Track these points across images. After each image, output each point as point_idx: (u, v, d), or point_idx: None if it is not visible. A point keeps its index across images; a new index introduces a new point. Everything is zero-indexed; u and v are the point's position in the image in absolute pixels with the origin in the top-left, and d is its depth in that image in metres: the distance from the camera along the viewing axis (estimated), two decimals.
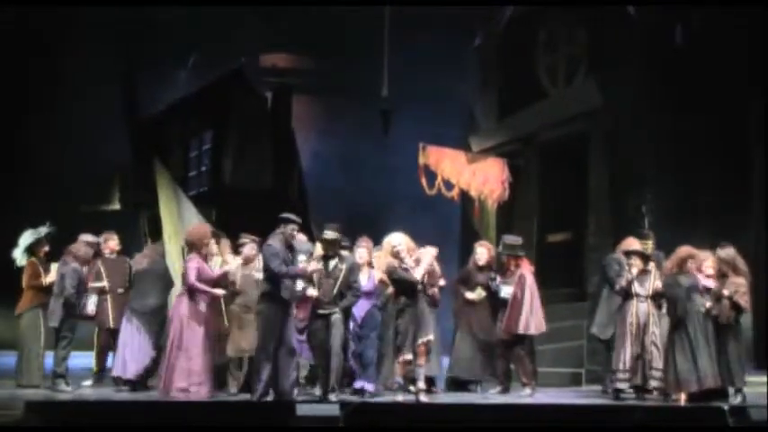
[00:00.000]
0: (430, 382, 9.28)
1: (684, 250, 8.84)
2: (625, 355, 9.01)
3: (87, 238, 9.57)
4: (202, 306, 8.33)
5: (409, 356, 8.53)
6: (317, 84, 17.10)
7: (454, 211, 14.42)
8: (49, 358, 9.42)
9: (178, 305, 8.34)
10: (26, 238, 9.57)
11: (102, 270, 9.69)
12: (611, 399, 9.15)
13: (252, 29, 15.84)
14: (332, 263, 8.51)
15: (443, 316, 10.21)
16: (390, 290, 8.91)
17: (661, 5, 11.92)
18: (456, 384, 9.85)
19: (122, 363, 9.20)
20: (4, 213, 12.72)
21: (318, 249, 8.82)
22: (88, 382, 9.62)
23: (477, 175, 12.68)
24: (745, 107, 11.96)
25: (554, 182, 13.45)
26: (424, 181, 12.16)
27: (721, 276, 8.88)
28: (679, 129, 11.85)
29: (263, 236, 8.56)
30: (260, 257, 8.97)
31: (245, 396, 8.52)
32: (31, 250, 9.55)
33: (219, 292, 8.54)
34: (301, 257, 8.56)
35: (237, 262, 9.11)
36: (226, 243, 9.37)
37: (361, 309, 8.82)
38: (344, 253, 8.83)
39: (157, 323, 9.12)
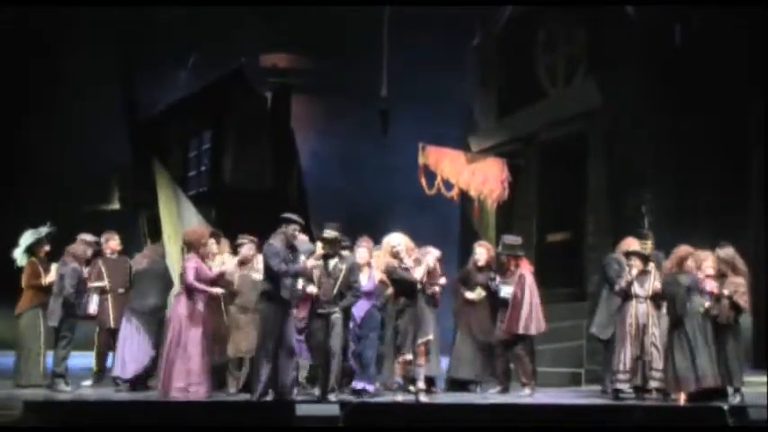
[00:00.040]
0: (429, 382, 9.28)
1: (683, 249, 8.84)
2: (625, 356, 9.01)
3: (86, 237, 9.57)
4: (201, 306, 8.34)
5: (409, 356, 8.54)
6: (317, 84, 17.11)
7: (454, 211, 14.43)
8: (49, 358, 9.41)
9: (176, 305, 8.34)
10: (26, 237, 9.57)
11: (103, 270, 9.70)
12: (611, 399, 9.15)
13: (252, 29, 15.85)
14: (332, 262, 8.51)
15: (443, 316, 10.21)
16: (390, 290, 8.91)
17: (661, 5, 11.92)
18: (456, 384, 9.85)
19: (122, 363, 9.20)
20: (4, 213, 12.73)
21: (319, 249, 8.82)
22: (88, 382, 9.62)
23: (477, 175, 12.67)
24: (745, 107, 11.96)
25: (553, 182, 13.45)
26: (423, 181, 12.15)
27: (721, 276, 8.88)
28: (679, 129, 11.85)
29: (263, 236, 8.56)
30: (258, 258, 8.99)
31: (245, 396, 8.52)
32: (31, 250, 9.55)
33: (218, 290, 8.54)
34: (302, 258, 8.55)
35: (234, 262, 9.10)
36: (225, 243, 9.38)
37: (360, 309, 8.81)
38: (345, 253, 8.82)
39: (157, 323, 9.12)
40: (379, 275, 8.92)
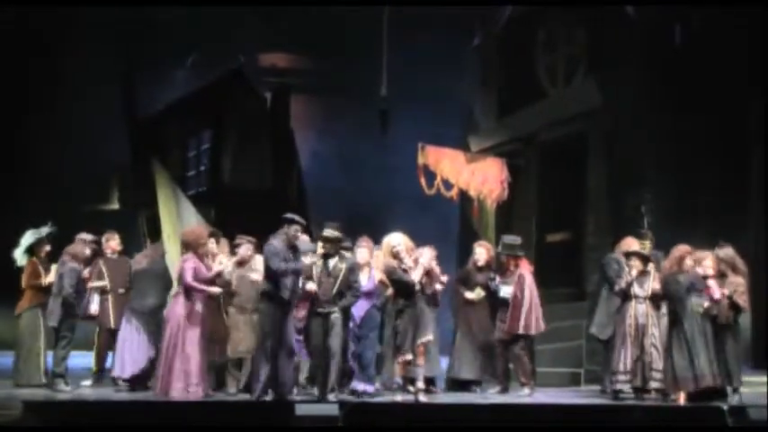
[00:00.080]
0: (429, 382, 9.28)
1: (681, 249, 8.84)
2: (625, 357, 9.01)
3: (84, 236, 9.57)
4: (199, 306, 8.33)
5: (409, 357, 8.53)
6: (317, 84, 17.10)
7: (453, 211, 14.42)
8: (49, 358, 9.41)
9: (174, 305, 8.32)
10: (27, 238, 9.57)
11: (104, 270, 9.71)
12: (610, 399, 9.15)
13: (252, 29, 15.85)
14: (332, 262, 8.51)
15: (443, 316, 10.22)
16: (390, 290, 8.91)
17: (661, 5, 11.92)
18: (456, 385, 9.85)
19: (121, 363, 9.21)
20: (4, 213, 12.73)
21: (320, 248, 8.81)
22: (87, 382, 9.62)
23: (477, 175, 12.66)
24: (745, 107, 11.96)
25: (553, 182, 13.45)
26: (423, 181, 12.14)
27: (720, 276, 8.88)
28: (679, 129, 11.85)
29: (263, 236, 8.56)
30: (256, 258, 8.99)
31: (245, 396, 8.52)
32: (31, 250, 9.54)
33: (216, 290, 8.54)
34: (308, 260, 8.54)
35: (231, 262, 9.09)
36: (224, 243, 9.38)
37: (360, 309, 8.81)
38: (345, 253, 8.82)
39: (156, 323, 9.11)
40: (379, 275, 8.91)
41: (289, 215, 8.36)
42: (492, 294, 9.68)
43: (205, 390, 8.32)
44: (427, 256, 8.94)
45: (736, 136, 11.93)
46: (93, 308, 9.69)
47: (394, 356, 8.85)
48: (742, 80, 11.75)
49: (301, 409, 7.35)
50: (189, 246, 8.46)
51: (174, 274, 9.27)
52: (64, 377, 9.08)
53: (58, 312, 9.08)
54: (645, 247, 9.50)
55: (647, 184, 11.98)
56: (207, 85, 16.55)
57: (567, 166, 13.08)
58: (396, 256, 8.67)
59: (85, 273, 9.52)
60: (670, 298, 8.82)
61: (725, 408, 7.96)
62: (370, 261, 8.95)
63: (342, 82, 16.10)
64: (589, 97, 12.62)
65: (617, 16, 12.17)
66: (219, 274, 8.66)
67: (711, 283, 8.72)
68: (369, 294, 8.86)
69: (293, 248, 8.26)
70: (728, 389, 8.67)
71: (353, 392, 8.67)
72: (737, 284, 8.82)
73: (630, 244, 9.52)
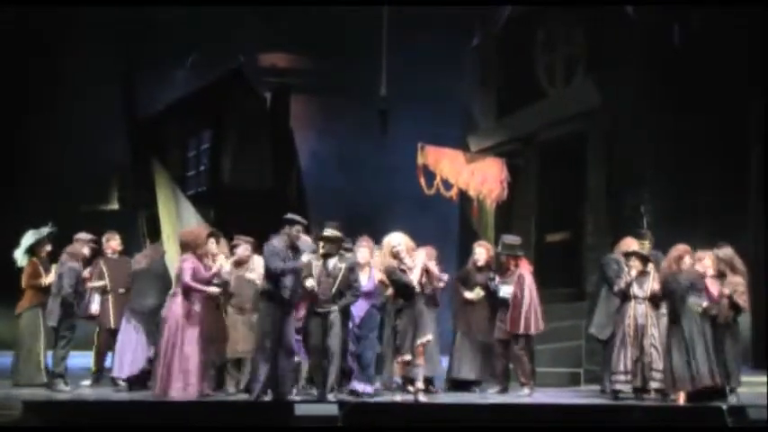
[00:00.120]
0: (428, 381, 9.28)
1: (679, 248, 8.84)
2: (624, 357, 9.01)
3: (82, 236, 9.56)
4: (197, 306, 8.32)
5: (408, 357, 8.53)
6: (317, 84, 17.11)
7: (453, 211, 14.43)
8: (49, 358, 9.40)
9: (172, 305, 8.30)
10: (28, 238, 9.56)
11: (105, 270, 9.71)
12: (610, 399, 9.15)
13: (252, 29, 15.85)
14: (331, 262, 8.51)
15: (443, 316, 10.22)
16: (390, 290, 8.91)
17: (660, 5, 11.92)
18: (456, 385, 9.85)
19: (120, 363, 9.22)
20: (4, 213, 12.73)
21: (321, 248, 8.81)
22: (87, 382, 9.62)
23: (476, 175, 12.66)
24: (745, 107, 11.97)
25: (552, 181, 13.45)
26: (422, 181, 12.14)
27: (720, 276, 8.88)
28: (679, 129, 11.85)
29: (262, 236, 8.56)
30: (254, 258, 8.99)
31: (245, 396, 8.52)
32: (32, 250, 9.54)
33: (214, 290, 8.54)
34: (305, 258, 8.53)
35: (228, 262, 9.09)
36: (224, 243, 9.37)
37: (360, 309, 8.81)
38: (345, 253, 8.81)
39: (155, 323, 9.09)
40: (379, 275, 8.91)
41: (290, 215, 8.37)
42: (492, 294, 9.68)
43: (203, 389, 8.31)
44: (421, 256, 8.92)
45: (736, 136, 11.94)
46: (94, 308, 9.69)
47: (393, 357, 8.84)
48: (742, 80, 11.76)
49: (301, 409, 7.35)
50: (188, 246, 8.46)
51: (173, 275, 9.27)
52: (63, 377, 9.07)
53: (58, 312, 9.08)
54: (644, 247, 9.50)
55: (646, 184, 11.98)
56: (207, 85, 16.56)
57: (567, 166, 13.09)
58: (396, 256, 8.66)
59: (86, 273, 9.53)
60: (670, 297, 8.82)
61: (724, 408, 7.95)
62: (371, 261, 8.95)
63: (342, 82, 16.11)
64: (588, 97, 12.63)
65: (617, 16, 12.18)
66: (217, 275, 8.65)
67: (709, 281, 8.72)
68: (369, 294, 8.86)
69: (294, 249, 8.26)
70: (726, 389, 8.67)
71: (352, 392, 8.67)
72: (737, 284, 8.83)
73: (630, 244, 9.52)
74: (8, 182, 14.11)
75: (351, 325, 8.75)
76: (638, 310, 9.06)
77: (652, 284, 9.04)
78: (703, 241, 9.34)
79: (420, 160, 12.13)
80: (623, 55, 12.24)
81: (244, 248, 9.09)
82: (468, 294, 9.81)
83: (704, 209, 11.89)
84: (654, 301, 9.08)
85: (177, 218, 10.61)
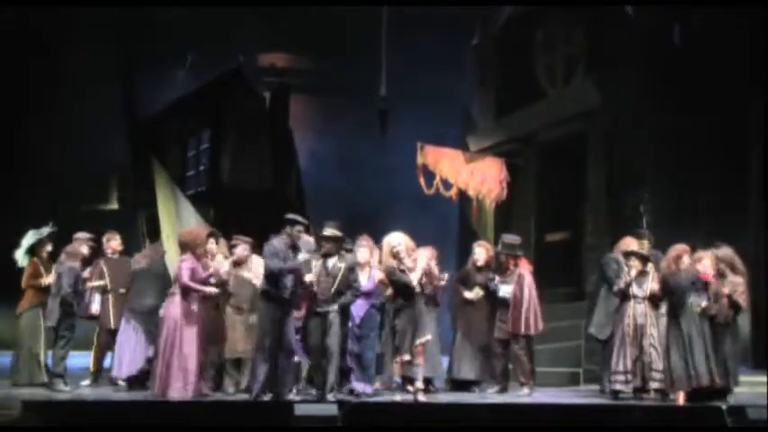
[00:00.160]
0: (427, 381, 9.28)
1: (678, 248, 8.83)
2: (624, 357, 9.00)
3: (81, 235, 9.56)
4: (195, 306, 8.32)
5: (407, 357, 8.52)
6: (316, 83, 17.12)
7: (452, 211, 14.43)
8: (49, 358, 9.41)
9: (170, 305, 8.30)
10: (28, 238, 9.56)
11: (105, 270, 9.71)
12: (609, 398, 9.14)
13: (251, 29, 15.85)
14: (331, 261, 8.51)
15: (444, 316, 10.22)
16: (390, 290, 8.91)
17: (660, 5, 11.92)
18: (457, 385, 9.84)
19: (120, 363, 9.22)
20: (5, 213, 12.73)
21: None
22: (86, 382, 9.62)
23: (476, 175, 12.66)
24: (745, 107, 11.97)
25: (552, 181, 13.45)
26: (422, 180, 12.15)
27: (720, 276, 8.88)
28: (679, 129, 11.85)
29: (261, 236, 8.56)
30: (252, 258, 8.99)
31: (244, 396, 8.52)
32: (32, 250, 9.54)
33: (212, 290, 8.54)
34: (302, 256, 8.53)
35: (227, 262, 9.09)
36: (223, 243, 9.38)
37: (360, 308, 8.81)
38: (345, 253, 8.81)
39: (154, 323, 9.10)
40: (379, 275, 8.91)
41: (291, 216, 8.37)
42: (491, 294, 9.68)
43: (201, 389, 8.30)
44: (422, 257, 8.93)
45: (736, 136, 11.94)
46: (95, 308, 9.70)
47: (393, 356, 8.84)
48: (742, 80, 11.75)
49: (300, 409, 7.35)
50: (187, 246, 8.46)
51: (173, 275, 9.27)
52: (63, 377, 9.08)
53: (57, 312, 9.08)
54: (643, 246, 9.50)
55: (646, 184, 11.97)
56: (206, 85, 16.57)
57: (567, 166, 13.08)
58: (396, 256, 8.66)
59: (86, 273, 9.54)
60: (669, 296, 8.81)
61: (724, 408, 7.95)
62: (371, 260, 8.94)
63: (341, 82, 16.11)
64: (588, 97, 12.62)
65: (617, 16, 12.17)
66: (213, 275, 8.64)
67: (709, 279, 8.72)
68: (369, 294, 8.86)
69: (295, 249, 8.25)
70: (726, 388, 8.67)
71: (352, 392, 8.67)
72: (737, 284, 8.83)
73: (629, 244, 9.52)
74: (8, 182, 14.11)
75: (351, 325, 8.75)
76: (637, 310, 9.06)
77: (651, 284, 9.05)
78: (703, 241, 9.34)
79: (419, 160, 12.13)
80: (623, 55, 12.23)
81: (242, 248, 9.09)
82: (468, 294, 9.80)
83: (704, 209, 11.88)
84: (653, 300, 9.08)
85: (177, 218, 10.61)
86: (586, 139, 12.87)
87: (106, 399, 8.47)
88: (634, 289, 9.08)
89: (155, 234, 11.00)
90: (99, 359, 9.76)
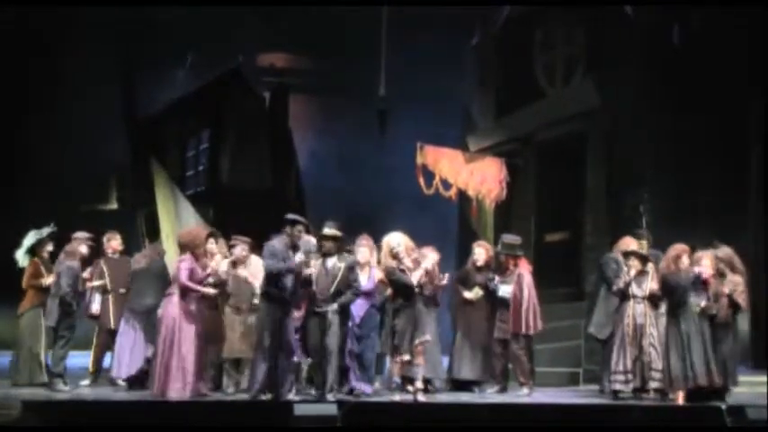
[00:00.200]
0: (427, 381, 9.27)
1: (677, 248, 8.83)
2: (624, 357, 9.00)
3: (80, 235, 9.56)
4: (193, 306, 8.32)
5: (407, 357, 8.52)
6: (316, 83, 17.12)
7: (452, 211, 14.43)
8: (49, 358, 9.41)
9: (167, 305, 8.29)
10: (29, 238, 9.56)
11: (105, 269, 9.71)
12: (609, 398, 9.14)
13: (251, 29, 15.85)
14: (330, 261, 8.51)
15: (444, 316, 10.21)
16: (389, 290, 8.91)
17: (660, 5, 11.92)
18: (457, 385, 9.84)
19: (120, 363, 9.21)
20: (4, 213, 12.74)
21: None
22: (86, 382, 9.62)
23: (475, 175, 12.66)
24: (745, 107, 11.98)
25: (552, 181, 13.45)
26: (421, 180, 12.15)
27: (720, 275, 8.88)
28: (678, 129, 11.85)
29: (261, 235, 8.56)
30: (251, 258, 8.99)
31: (244, 396, 8.52)
32: (33, 250, 9.54)
33: (211, 291, 8.54)
34: (298, 258, 8.52)
35: (225, 262, 9.09)
36: (222, 243, 9.38)
37: (360, 308, 8.81)
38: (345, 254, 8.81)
39: (154, 323, 9.11)
40: (379, 275, 8.91)
41: (291, 216, 8.36)
42: (491, 294, 9.68)
43: (200, 388, 8.30)
44: (430, 259, 8.94)
45: (736, 136, 11.94)
46: (95, 307, 9.70)
47: (392, 356, 8.84)
48: (742, 80, 11.76)
49: (300, 409, 7.35)
50: (186, 247, 8.45)
51: (172, 275, 9.27)
52: (62, 377, 9.08)
53: (56, 312, 9.08)
54: (642, 246, 9.51)
55: (646, 184, 11.97)
56: (206, 85, 16.57)
57: (566, 165, 13.08)
58: (395, 256, 8.66)
59: (86, 273, 9.54)
60: (670, 296, 8.81)
61: (723, 407, 7.95)
62: (371, 260, 8.94)
63: (341, 82, 16.11)
64: (588, 97, 12.62)
65: (616, 16, 12.17)
66: (211, 275, 8.63)
67: (708, 279, 8.72)
68: (369, 294, 8.85)
69: (295, 249, 8.25)
70: (725, 388, 8.68)
71: (351, 392, 8.67)
72: (737, 283, 8.85)
73: (629, 244, 9.53)
74: (8, 182, 14.12)
75: (351, 324, 8.74)
76: (636, 310, 9.06)
77: (651, 284, 9.05)
78: (703, 241, 9.34)
79: (419, 160, 12.13)
80: (623, 55, 12.23)
81: (241, 248, 9.09)
82: (468, 294, 9.80)
83: (704, 209, 11.89)
84: (653, 300, 9.08)
85: (176, 217, 10.62)
86: (586, 139, 12.87)
87: (106, 399, 8.46)
88: (633, 289, 9.08)
89: (154, 234, 11.02)
90: (98, 359, 9.76)
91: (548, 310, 10.22)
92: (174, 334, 8.15)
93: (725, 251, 8.96)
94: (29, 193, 14.22)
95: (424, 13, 13.84)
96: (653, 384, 8.97)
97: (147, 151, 13.80)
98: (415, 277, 8.58)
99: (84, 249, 9.42)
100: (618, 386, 9.02)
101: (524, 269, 9.61)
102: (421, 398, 8.49)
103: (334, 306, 8.39)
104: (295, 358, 8.46)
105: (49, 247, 9.57)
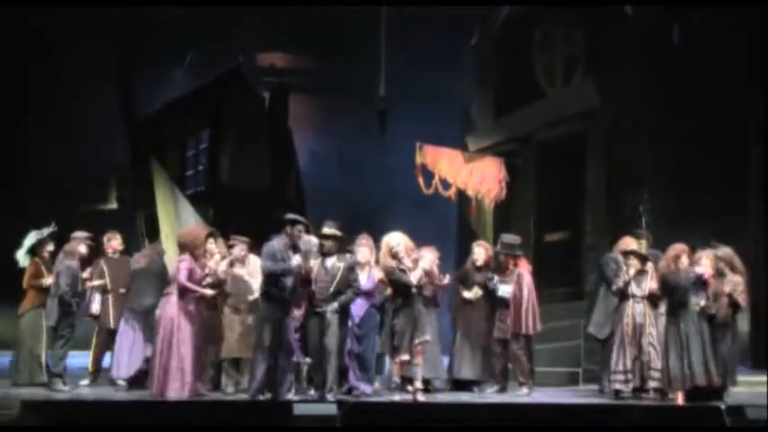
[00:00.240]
0: (426, 381, 9.27)
1: (677, 248, 8.83)
2: (623, 357, 9.01)
3: (79, 234, 9.56)
4: (192, 306, 8.32)
5: (406, 357, 8.52)
6: (316, 83, 17.13)
7: (451, 211, 14.43)
8: (49, 358, 9.41)
9: (166, 305, 8.28)
10: (29, 238, 9.56)
11: (105, 269, 9.71)
12: (609, 398, 9.15)
13: (251, 29, 15.86)
14: (330, 261, 8.51)
15: (444, 316, 10.21)
16: (389, 290, 8.91)
17: (660, 5, 11.92)
18: (457, 385, 9.84)
19: (119, 363, 9.21)
20: (4, 213, 12.74)
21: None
22: (85, 382, 9.62)
23: (475, 175, 12.67)
24: (745, 107, 11.98)
25: (551, 181, 13.45)
26: (421, 180, 12.15)
27: (720, 275, 8.88)
28: (678, 129, 11.85)
29: (260, 235, 8.56)
30: (249, 258, 8.99)
31: (243, 396, 8.52)
32: (34, 250, 9.54)
33: (210, 291, 8.54)
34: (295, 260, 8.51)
35: (224, 262, 9.09)
36: (221, 243, 9.38)
37: (359, 308, 8.81)
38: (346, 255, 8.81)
39: (153, 323, 9.11)
40: (379, 274, 8.91)
41: (291, 215, 8.36)
42: (490, 294, 9.68)
43: (198, 388, 8.30)
44: (428, 259, 8.93)
45: (735, 136, 11.94)
46: (95, 307, 9.70)
47: (392, 356, 8.84)
48: (742, 80, 11.76)
49: (299, 409, 7.35)
50: (185, 247, 8.45)
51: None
52: (62, 377, 9.07)
53: (56, 312, 9.07)
54: (642, 246, 9.51)
55: (646, 184, 11.97)
56: (205, 85, 16.59)
57: (566, 165, 13.08)
58: (395, 256, 8.65)
59: (86, 273, 9.54)
60: (669, 295, 8.81)
61: (723, 407, 7.95)
62: (371, 260, 8.94)
63: (341, 82, 16.12)
64: (588, 97, 12.62)
65: (616, 16, 12.17)
66: (210, 274, 8.63)
67: (708, 278, 8.73)
68: (369, 294, 8.85)
69: (295, 249, 8.25)
70: (724, 388, 8.68)
71: (351, 392, 8.67)
72: (736, 283, 8.85)
73: (629, 243, 9.53)
74: (8, 182, 14.12)
75: (350, 324, 8.74)
76: (636, 309, 9.06)
77: (650, 283, 9.05)
78: (703, 241, 9.34)
79: (418, 160, 12.13)
80: (623, 55, 12.23)
81: (240, 248, 9.09)
82: (467, 294, 9.80)
83: (704, 209, 11.89)
84: (652, 299, 9.08)
85: (176, 217, 10.63)
86: (586, 138, 12.87)
87: (105, 399, 8.46)
88: (633, 288, 9.08)
89: (154, 234, 11.02)
90: (98, 359, 9.76)
91: (547, 309, 10.23)
92: (173, 334, 8.15)
93: (725, 251, 8.96)
94: (29, 193, 14.23)
95: (424, 13, 13.85)
96: (652, 384, 8.97)
97: (146, 151, 13.80)
98: (414, 277, 8.58)
99: (82, 249, 9.42)
100: (618, 386, 9.02)
101: (524, 269, 9.61)
102: (420, 398, 8.49)
103: (334, 306, 8.39)
104: (294, 358, 8.46)
105: (50, 248, 9.57)
